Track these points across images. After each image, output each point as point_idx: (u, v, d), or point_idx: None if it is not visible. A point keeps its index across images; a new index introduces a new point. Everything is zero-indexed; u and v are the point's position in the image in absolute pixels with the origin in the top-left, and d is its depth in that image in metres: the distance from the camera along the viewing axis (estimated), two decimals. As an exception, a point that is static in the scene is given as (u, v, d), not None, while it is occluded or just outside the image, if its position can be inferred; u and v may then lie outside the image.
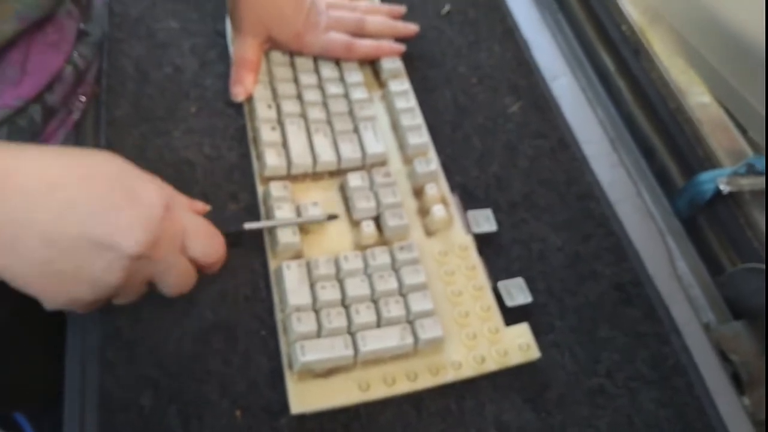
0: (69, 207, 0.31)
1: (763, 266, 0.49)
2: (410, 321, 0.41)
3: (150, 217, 0.33)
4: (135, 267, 0.34)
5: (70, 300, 0.34)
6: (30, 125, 0.45)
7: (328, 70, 0.53)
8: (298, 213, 0.45)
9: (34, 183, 0.31)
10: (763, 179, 0.53)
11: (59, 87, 0.46)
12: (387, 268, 0.43)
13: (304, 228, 0.45)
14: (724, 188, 0.52)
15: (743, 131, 0.58)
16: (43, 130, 0.47)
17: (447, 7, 0.64)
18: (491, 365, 0.41)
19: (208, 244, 0.39)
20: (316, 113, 0.49)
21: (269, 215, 0.45)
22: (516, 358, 0.42)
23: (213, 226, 0.40)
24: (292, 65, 0.53)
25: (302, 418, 0.40)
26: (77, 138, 0.50)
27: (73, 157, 0.34)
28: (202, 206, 0.42)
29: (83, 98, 0.50)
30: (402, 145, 0.51)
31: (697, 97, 0.61)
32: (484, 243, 0.49)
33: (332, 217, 0.45)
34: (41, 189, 0.31)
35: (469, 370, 0.41)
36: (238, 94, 0.51)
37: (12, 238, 0.30)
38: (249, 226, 0.43)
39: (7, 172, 0.30)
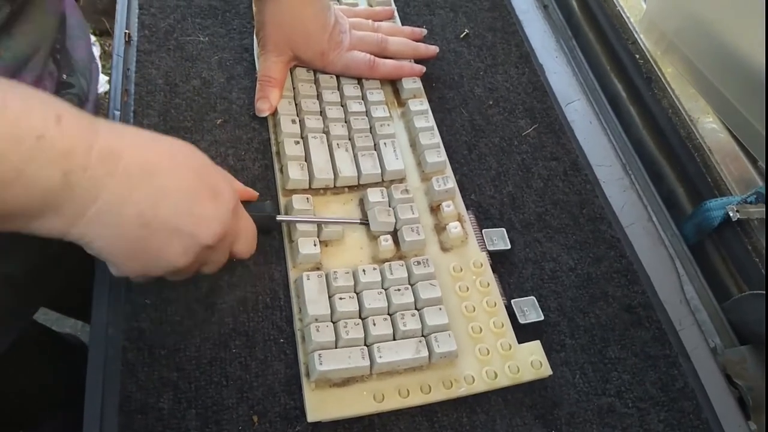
0: (163, 194, 0.34)
1: (765, 292, 0.50)
2: (425, 335, 0.42)
3: (225, 213, 0.37)
4: (202, 254, 0.38)
5: (141, 272, 0.37)
6: None
7: (350, 88, 0.54)
8: (319, 226, 0.46)
9: (136, 166, 0.33)
10: (771, 208, 0.54)
11: None
12: (404, 282, 0.44)
13: (323, 240, 0.46)
14: (734, 216, 0.53)
15: (753, 160, 0.59)
16: None
17: (466, 31, 0.66)
18: (504, 381, 0.42)
19: (250, 243, 0.42)
20: (338, 129, 0.51)
21: (291, 227, 0.46)
22: (528, 375, 0.43)
23: (255, 227, 0.43)
24: (316, 82, 0.54)
25: (317, 425, 0.40)
26: None
27: (164, 145, 0.36)
28: (251, 193, 0.45)
29: None
30: (420, 163, 0.52)
31: (708, 125, 0.62)
32: (497, 261, 0.50)
33: (365, 222, 0.47)
34: (141, 173, 0.33)
35: (481, 385, 0.42)
36: (263, 110, 0.52)
37: (112, 213, 0.33)
38: (281, 218, 0.45)
39: (113, 152, 0.32)
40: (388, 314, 0.43)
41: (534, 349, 0.44)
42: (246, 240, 0.41)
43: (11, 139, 0.29)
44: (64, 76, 0.49)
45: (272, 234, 0.47)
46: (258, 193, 0.46)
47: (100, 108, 0.59)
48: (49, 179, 0.30)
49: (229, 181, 0.40)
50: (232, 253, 0.41)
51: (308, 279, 0.43)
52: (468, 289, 0.46)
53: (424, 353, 0.41)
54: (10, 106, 0.29)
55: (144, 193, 0.33)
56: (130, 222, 0.34)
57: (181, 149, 0.37)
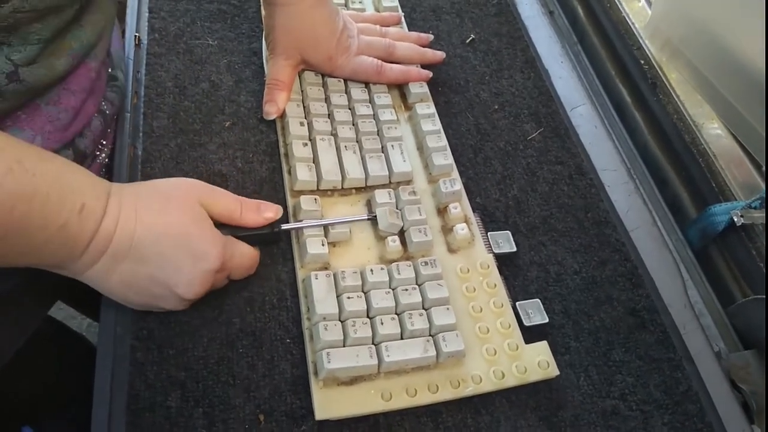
0: (142, 264, 0.39)
1: (765, 297, 0.50)
2: (433, 334, 0.43)
3: (205, 273, 0.40)
4: (192, 301, 0.43)
5: (142, 309, 0.43)
6: None
7: (358, 92, 0.55)
8: (326, 228, 0.46)
9: (124, 245, 0.38)
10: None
11: (89, 132, 0.48)
12: (411, 282, 0.44)
13: (331, 241, 0.46)
14: (739, 221, 0.54)
15: (757, 165, 0.59)
16: None
17: (471, 37, 0.66)
18: (511, 381, 0.43)
19: (247, 272, 0.45)
20: (346, 132, 0.51)
21: (299, 227, 0.47)
22: (535, 376, 0.43)
23: (256, 253, 0.44)
24: (324, 86, 0.55)
25: (322, 425, 0.41)
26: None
27: (152, 215, 0.40)
28: (275, 211, 0.45)
29: (104, 142, 0.51)
30: (427, 166, 0.53)
31: (712, 130, 0.62)
32: (503, 263, 0.50)
33: (373, 216, 0.48)
34: (127, 250, 0.39)
35: (489, 385, 0.42)
36: (271, 113, 0.53)
37: (101, 278, 0.40)
38: (285, 226, 0.45)
39: (108, 236, 0.38)
40: (396, 314, 0.43)
41: (541, 349, 0.44)
42: (241, 271, 0.44)
43: (42, 226, 0.35)
44: (110, 69, 0.51)
45: (280, 238, 0.48)
46: (279, 213, 0.45)
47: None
48: (57, 257, 0.37)
49: (217, 241, 0.41)
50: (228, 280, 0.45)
51: (317, 278, 0.43)
52: (475, 290, 0.46)
53: (432, 352, 0.41)
54: (51, 198, 0.35)
55: (126, 265, 0.39)
56: (116, 285, 0.40)
57: (168, 214, 0.40)
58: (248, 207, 0.44)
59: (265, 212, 0.45)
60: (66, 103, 0.44)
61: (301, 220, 0.47)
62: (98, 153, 0.51)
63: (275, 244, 0.47)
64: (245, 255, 0.44)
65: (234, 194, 0.44)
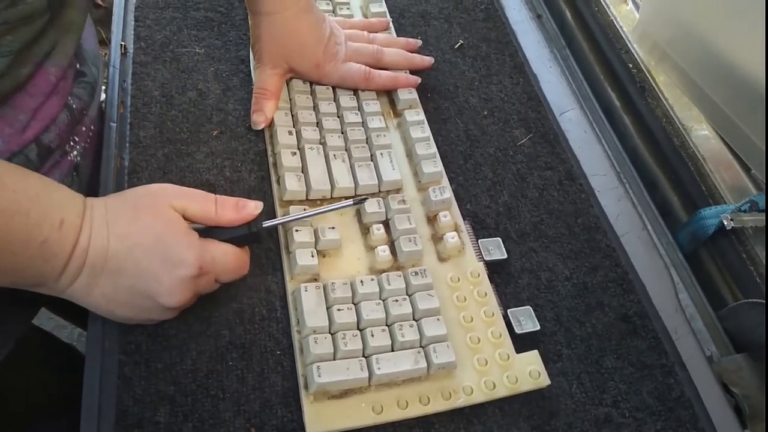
0: (120, 276, 0.39)
1: (764, 301, 0.50)
2: (423, 346, 0.42)
3: (183, 279, 0.39)
4: (183, 307, 0.42)
5: (127, 322, 0.43)
6: (26, 165, 0.45)
7: (346, 99, 0.54)
8: (316, 236, 0.46)
9: (101, 259, 0.38)
10: (764, 217, 0.55)
11: (54, 128, 0.47)
12: (401, 293, 0.44)
13: (321, 251, 0.46)
14: (729, 224, 0.54)
15: (747, 168, 0.59)
16: (39, 170, 0.47)
17: (460, 42, 0.66)
18: (502, 391, 0.42)
19: (235, 273, 0.43)
20: (334, 140, 0.51)
21: (288, 238, 0.46)
22: (527, 385, 0.43)
23: (242, 253, 0.43)
24: (312, 93, 0.55)
25: (314, 438, 0.40)
26: (84, 180, 0.52)
27: (122, 225, 0.39)
28: (254, 206, 0.43)
29: (77, 139, 0.50)
30: (416, 173, 0.53)
31: (701, 133, 0.63)
32: (493, 270, 0.50)
33: (362, 200, 0.47)
34: (104, 264, 0.38)
35: (480, 396, 0.42)
36: (258, 123, 0.52)
37: (82, 294, 0.39)
38: (266, 223, 0.44)
39: (85, 251, 0.38)
40: (387, 325, 0.43)
41: (532, 359, 0.44)
42: (228, 273, 0.43)
43: (24, 242, 0.35)
44: (78, 66, 0.50)
45: (266, 241, 0.47)
46: (258, 207, 0.44)
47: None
48: (39, 274, 0.37)
49: (194, 246, 0.40)
50: (219, 283, 0.43)
51: (306, 290, 0.43)
52: (465, 299, 0.46)
53: (423, 364, 0.41)
54: (32, 214, 0.35)
55: (105, 278, 0.39)
56: (99, 299, 0.40)
57: (139, 223, 0.39)
58: (224, 204, 0.42)
59: (243, 209, 0.42)
60: (24, 106, 0.43)
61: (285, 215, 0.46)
62: (68, 150, 0.50)
63: (258, 243, 0.45)
64: (228, 255, 0.42)
65: (207, 192, 0.43)
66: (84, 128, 0.51)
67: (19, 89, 0.43)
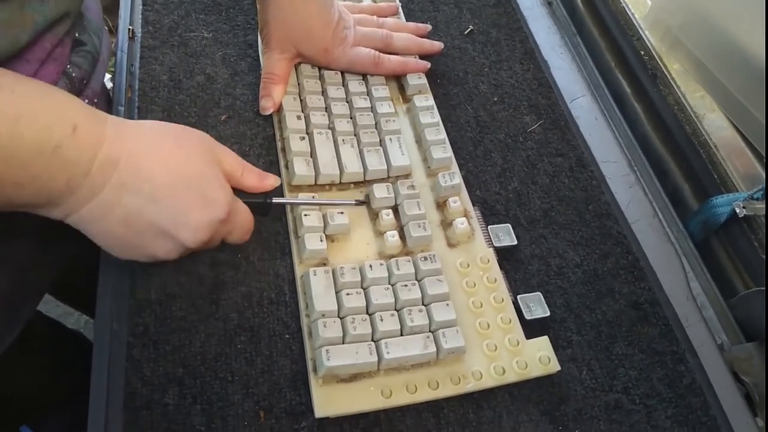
0: (151, 200, 0.37)
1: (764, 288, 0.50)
2: (433, 330, 0.42)
3: (212, 221, 0.39)
4: (189, 250, 0.41)
5: (132, 259, 0.41)
6: None
7: (355, 84, 0.54)
8: (325, 221, 0.46)
9: (131, 174, 0.36)
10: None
11: None
12: (411, 278, 0.44)
13: (329, 236, 0.46)
14: (741, 212, 0.53)
15: (759, 156, 0.59)
16: None
17: (470, 28, 0.65)
18: (512, 377, 0.42)
19: (244, 234, 0.43)
20: (343, 125, 0.51)
21: (297, 223, 0.46)
22: (536, 371, 0.43)
23: (252, 217, 0.44)
24: (321, 78, 0.54)
25: (323, 421, 0.40)
26: None
27: (164, 149, 0.38)
28: (274, 180, 0.45)
29: None
30: (426, 159, 0.52)
31: (714, 121, 0.62)
32: (503, 257, 0.49)
33: (361, 202, 0.48)
34: (135, 180, 0.36)
35: (489, 381, 0.42)
36: (267, 108, 0.52)
37: (102, 213, 0.37)
38: (277, 200, 0.45)
39: (112, 161, 0.36)
40: (396, 310, 0.43)
41: (542, 344, 0.44)
42: (240, 232, 0.43)
43: (35, 149, 0.32)
44: (77, 35, 0.49)
45: (272, 220, 0.47)
46: (277, 181, 0.45)
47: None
48: (56, 184, 0.34)
49: (227, 190, 0.40)
50: (225, 242, 0.43)
51: (315, 274, 0.43)
52: (475, 285, 0.46)
53: (432, 349, 0.41)
54: (39, 116, 0.32)
55: (133, 199, 0.37)
56: (115, 222, 0.37)
57: (182, 152, 0.39)
58: (250, 170, 0.43)
59: (265, 179, 0.44)
60: (21, 70, 0.42)
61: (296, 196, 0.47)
62: None
63: (264, 216, 0.46)
64: (245, 215, 0.43)
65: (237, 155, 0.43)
66: (87, 101, 0.50)
67: (15, 56, 0.41)
